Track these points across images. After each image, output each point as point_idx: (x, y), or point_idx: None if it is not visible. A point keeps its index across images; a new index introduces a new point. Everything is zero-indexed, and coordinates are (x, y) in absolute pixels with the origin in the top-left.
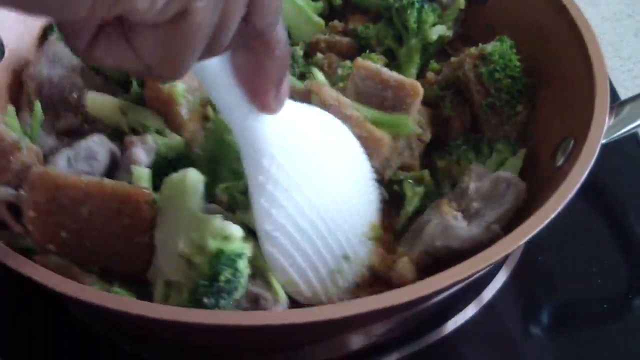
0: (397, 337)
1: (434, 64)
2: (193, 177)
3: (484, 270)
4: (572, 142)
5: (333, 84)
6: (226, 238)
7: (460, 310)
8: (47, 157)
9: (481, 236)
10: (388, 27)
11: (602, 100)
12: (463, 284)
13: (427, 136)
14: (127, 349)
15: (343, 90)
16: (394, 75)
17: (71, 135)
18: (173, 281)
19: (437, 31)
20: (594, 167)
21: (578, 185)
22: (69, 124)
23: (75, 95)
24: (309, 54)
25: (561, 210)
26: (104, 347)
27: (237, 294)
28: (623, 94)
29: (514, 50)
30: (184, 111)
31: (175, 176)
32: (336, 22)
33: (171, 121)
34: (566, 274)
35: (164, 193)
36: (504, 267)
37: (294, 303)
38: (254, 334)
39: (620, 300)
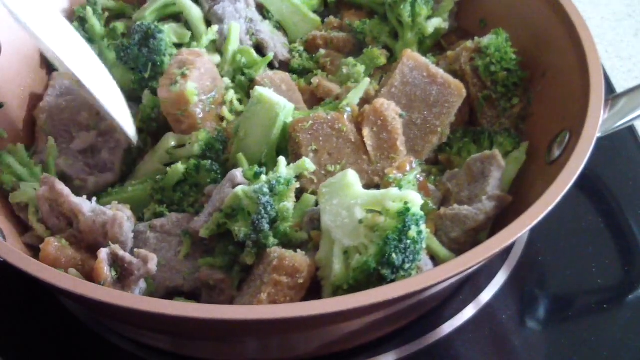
0: (397, 337)
1: (431, 58)
2: (352, 174)
3: (483, 263)
4: (568, 135)
5: (339, 82)
6: (407, 203)
7: (459, 311)
8: (70, 177)
9: (489, 206)
10: (383, 23)
11: (597, 93)
12: (469, 272)
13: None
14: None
15: (388, 78)
16: (441, 72)
17: (88, 153)
18: (351, 248)
19: (433, 24)
20: (592, 162)
21: (575, 178)
22: (84, 142)
23: (85, 114)
24: (307, 51)
25: (558, 202)
26: (95, 340)
27: (418, 259)
28: None
29: (510, 44)
30: (198, 111)
31: (332, 179)
32: (332, 18)
33: (185, 122)
34: (565, 276)
35: (322, 191)
36: (502, 269)
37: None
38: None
39: (619, 302)
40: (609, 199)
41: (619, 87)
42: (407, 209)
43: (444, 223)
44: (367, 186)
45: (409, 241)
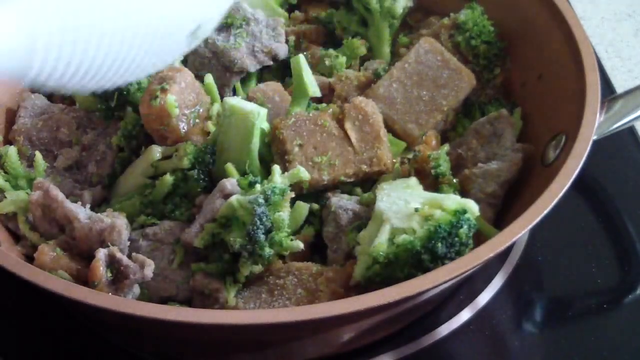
0: (394, 339)
1: (403, 38)
2: (414, 180)
3: (477, 268)
4: (563, 138)
5: (322, 74)
6: (464, 208)
7: (456, 313)
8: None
9: (516, 157)
10: (349, 13)
11: (592, 95)
12: (463, 276)
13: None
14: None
15: (403, 56)
16: (454, 59)
17: (74, 169)
18: (399, 229)
19: (401, 4)
20: (588, 163)
21: (570, 182)
22: (68, 158)
23: (65, 130)
24: None
25: (553, 206)
26: (96, 340)
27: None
28: None
29: (486, 16)
30: (181, 125)
31: (395, 182)
32: (297, 13)
33: (170, 137)
34: (563, 277)
35: (382, 186)
36: (500, 273)
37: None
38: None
39: (619, 303)
40: (606, 199)
41: (620, 87)
42: (464, 211)
43: (475, 181)
44: (355, 175)
45: (457, 238)
